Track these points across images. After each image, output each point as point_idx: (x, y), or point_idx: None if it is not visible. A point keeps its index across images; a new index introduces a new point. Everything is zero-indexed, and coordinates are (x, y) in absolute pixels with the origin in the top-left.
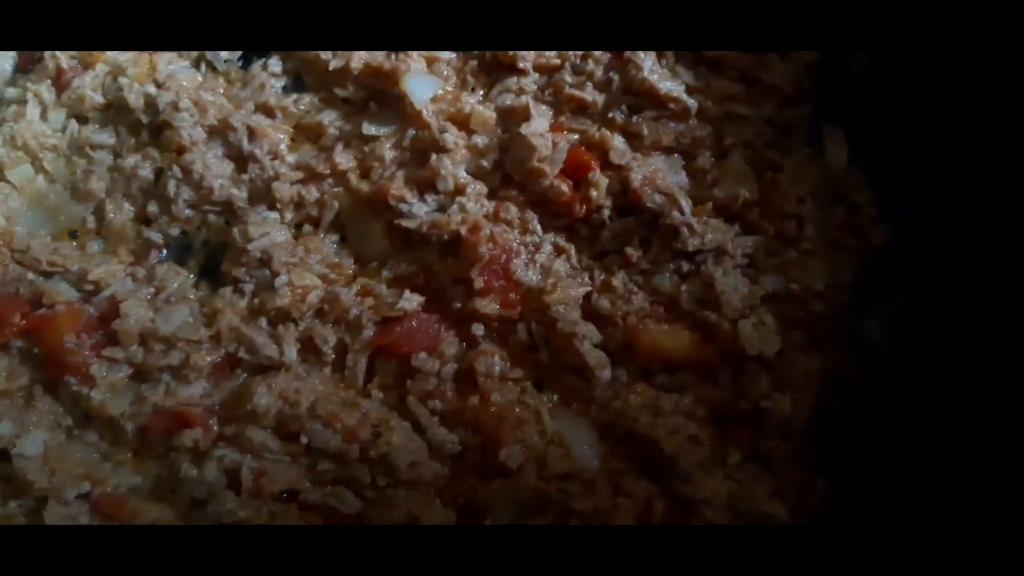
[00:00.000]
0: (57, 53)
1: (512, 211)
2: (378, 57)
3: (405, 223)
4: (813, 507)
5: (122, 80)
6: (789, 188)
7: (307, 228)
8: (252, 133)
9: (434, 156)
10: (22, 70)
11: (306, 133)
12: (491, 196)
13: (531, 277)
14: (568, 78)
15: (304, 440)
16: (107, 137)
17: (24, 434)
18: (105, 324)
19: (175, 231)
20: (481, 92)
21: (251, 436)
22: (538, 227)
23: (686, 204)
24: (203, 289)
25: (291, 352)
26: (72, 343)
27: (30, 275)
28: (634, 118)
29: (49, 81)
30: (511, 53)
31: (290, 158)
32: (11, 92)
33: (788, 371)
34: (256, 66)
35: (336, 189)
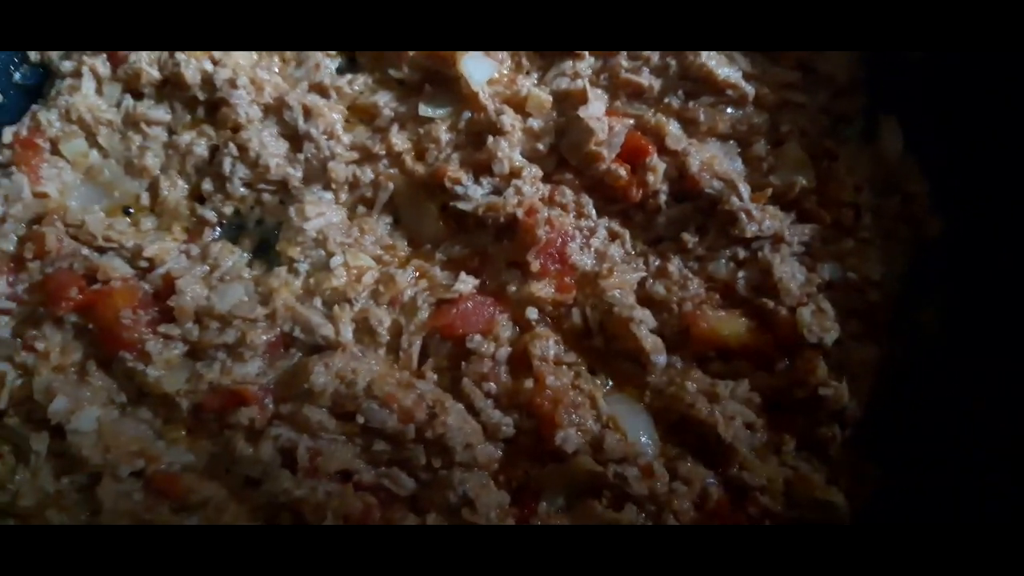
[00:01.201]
0: None
1: (567, 195)
2: None
3: (461, 205)
4: (867, 495)
5: (179, 56)
6: (846, 177)
7: (361, 209)
8: (308, 112)
9: (490, 139)
10: None
11: (361, 114)
12: (545, 180)
13: (586, 261)
14: (624, 63)
15: (360, 420)
16: (163, 113)
17: (78, 410)
18: (160, 301)
19: (229, 209)
20: (536, 75)
21: (307, 415)
22: (593, 211)
23: (745, 190)
24: (257, 268)
25: (347, 332)
26: (128, 319)
27: (85, 250)
28: (690, 104)
29: (105, 55)
30: None
31: (345, 138)
32: (66, 65)
33: (844, 359)
34: None
35: (391, 170)
